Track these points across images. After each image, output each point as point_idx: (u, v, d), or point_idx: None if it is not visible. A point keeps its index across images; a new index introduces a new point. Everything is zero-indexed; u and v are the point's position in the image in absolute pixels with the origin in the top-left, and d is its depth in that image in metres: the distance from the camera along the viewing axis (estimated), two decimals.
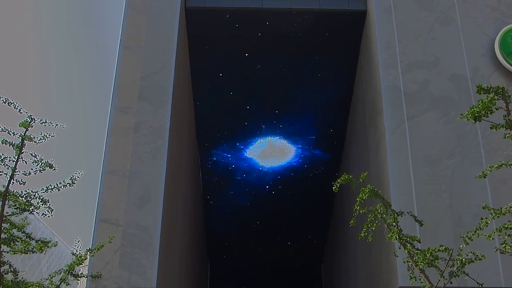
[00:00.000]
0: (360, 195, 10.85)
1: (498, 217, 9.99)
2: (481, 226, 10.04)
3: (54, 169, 11.62)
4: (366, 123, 20.17)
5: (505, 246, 10.19)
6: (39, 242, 12.08)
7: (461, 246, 10.43)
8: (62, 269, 12.48)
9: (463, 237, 10.39)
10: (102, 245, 13.59)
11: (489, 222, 10.02)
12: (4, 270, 11.83)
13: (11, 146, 11.50)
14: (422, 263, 10.16)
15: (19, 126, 11.64)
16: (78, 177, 12.16)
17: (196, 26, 20.87)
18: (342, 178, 10.97)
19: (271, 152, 27.47)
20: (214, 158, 27.73)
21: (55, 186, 11.79)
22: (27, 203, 11.56)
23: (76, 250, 13.23)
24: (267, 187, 29.38)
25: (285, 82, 23.63)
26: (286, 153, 27.52)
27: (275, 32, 21.35)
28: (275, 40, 21.71)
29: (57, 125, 11.94)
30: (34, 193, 11.59)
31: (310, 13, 20.52)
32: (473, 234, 10.19)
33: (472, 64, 17.69)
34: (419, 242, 10.82)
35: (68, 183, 11.96)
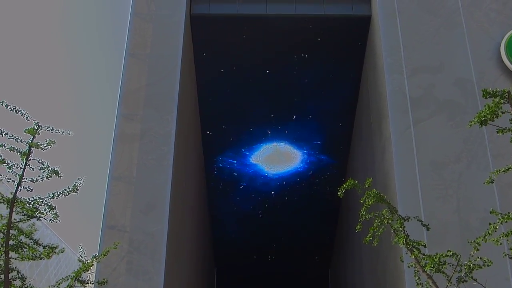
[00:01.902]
0: (366, 200, 10.81)
1: (506, 221, 9.93)
2: (490, 232, 9.97)
3: (60, 176, 11.68)
4: (372, 128, 20.14)
5: None
6: (47, 247, 12.12)
7: (471, 252, 10.33)
8: (69, 275, 12.51)
9: (471, 243, 10.32)
10: (108, 251, 13.61)
11: (497, 227, 9.95)
12: (12, 276, 11.87)
13: (18, 153, 11.57)
14: (429, 269, 10.09)
15: (26, 133, 11.71)
16: (80, 183, 12.19)
17: (201, 33, 20.96)
18: (347, 183, 10.94)
19: (277, 158, 27.46)
20: (220, 165, 27.74)
21: (61, 192, 11.85)
22: (33, 209, 11.61)
23: (82, 257, 13.27)
24: (273, 193, 29.36)
25: (290, 87, 23.67)
26: (291, 159, 27.50)
27: (280, 38, 21.41)
28: (280, 46, 21.76)
29: (63, 132, 12.01)
30: (41, 200, 11.65)
31: (314, 18, 20.56)
32: (482, 240, 10.12)
33: (478, 68, 17.64)
34: (425, 247, 10.76)
35: (72, 190, 12.00)
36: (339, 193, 11.22)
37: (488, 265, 10.10)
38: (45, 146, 11.77)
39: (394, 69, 17.70)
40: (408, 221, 10.85)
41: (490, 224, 10.07)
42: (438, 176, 16.18)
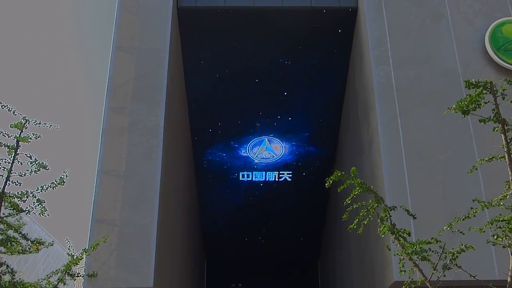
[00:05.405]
0: (352, 190, 10.91)
1: (488, 208, 10.11)
2: (470, 215, 10.17)
3: (48, 169, 11.67)
4: (359, 119, 20.29)
5: (496, 238, 10.30)
6: (35, 242, 12.14)
7: (444, 228, 10.54)
8: (59, 269, 12.53)
9: (449, 225, 10.49)
10: (97, 244, 13.63)
11: (478, 212, 10.14)
12: (1, 271, 11.88)
13: (6, 148, 11.55)
14: (413, 255, 10.21)
15: (13, 127, 11.68)
16: (66, 176, 12.17)
17: (189, 26, 20.92)
18: (334, 175, 10.99)
19: (266, 150, 27.55)
20: (209, 157, 27.79)
21: (49, 186, 11.85)
22: (20, 204, 11.59)
23: (70, 250, 13.28)
24: (262, 184, 29.47)
25: (278, 80, 23.72)
26: (280, 151, 27.61)
27: (267, 31, 21.42)
28: (267, 38, 21.79)
29: (51, 126, 12.00)
30: (30, 193, 11.65)
31: (301, 10, 20.60)
32: (458, 221, 10.29)
33: (463, 59, 17.84)
34: (409, 235, 10.88)
35: (58, 183, 11.98)
36: (326, 184, 11.29)
37: (470, 250, 10.25)
38: (30, 139, 11.74)
39: (380, 61, 17.84)
40: (394, 210, 10.97)
41: (471, 208, 10.27)
42: (425, 166, 16.38)
